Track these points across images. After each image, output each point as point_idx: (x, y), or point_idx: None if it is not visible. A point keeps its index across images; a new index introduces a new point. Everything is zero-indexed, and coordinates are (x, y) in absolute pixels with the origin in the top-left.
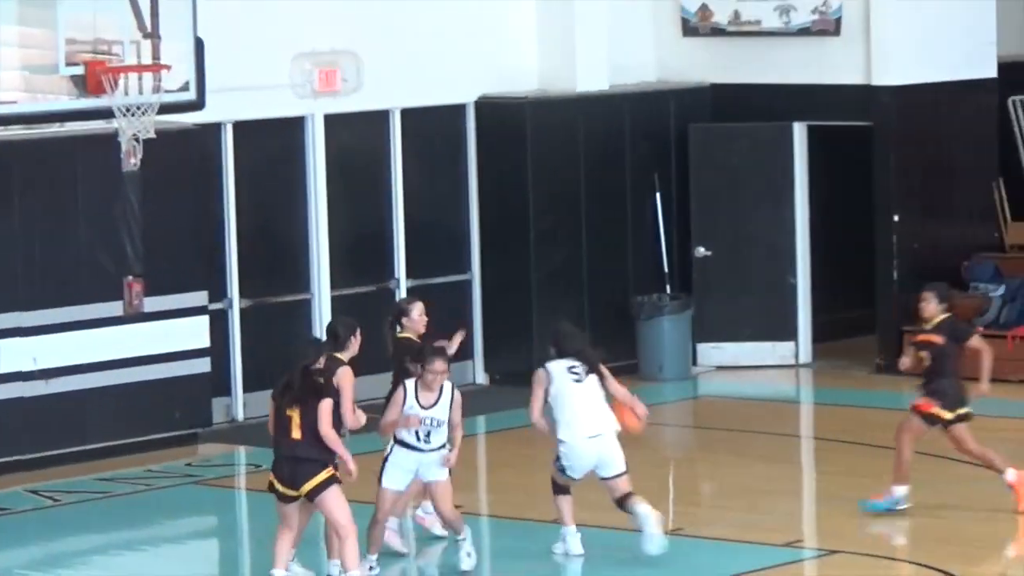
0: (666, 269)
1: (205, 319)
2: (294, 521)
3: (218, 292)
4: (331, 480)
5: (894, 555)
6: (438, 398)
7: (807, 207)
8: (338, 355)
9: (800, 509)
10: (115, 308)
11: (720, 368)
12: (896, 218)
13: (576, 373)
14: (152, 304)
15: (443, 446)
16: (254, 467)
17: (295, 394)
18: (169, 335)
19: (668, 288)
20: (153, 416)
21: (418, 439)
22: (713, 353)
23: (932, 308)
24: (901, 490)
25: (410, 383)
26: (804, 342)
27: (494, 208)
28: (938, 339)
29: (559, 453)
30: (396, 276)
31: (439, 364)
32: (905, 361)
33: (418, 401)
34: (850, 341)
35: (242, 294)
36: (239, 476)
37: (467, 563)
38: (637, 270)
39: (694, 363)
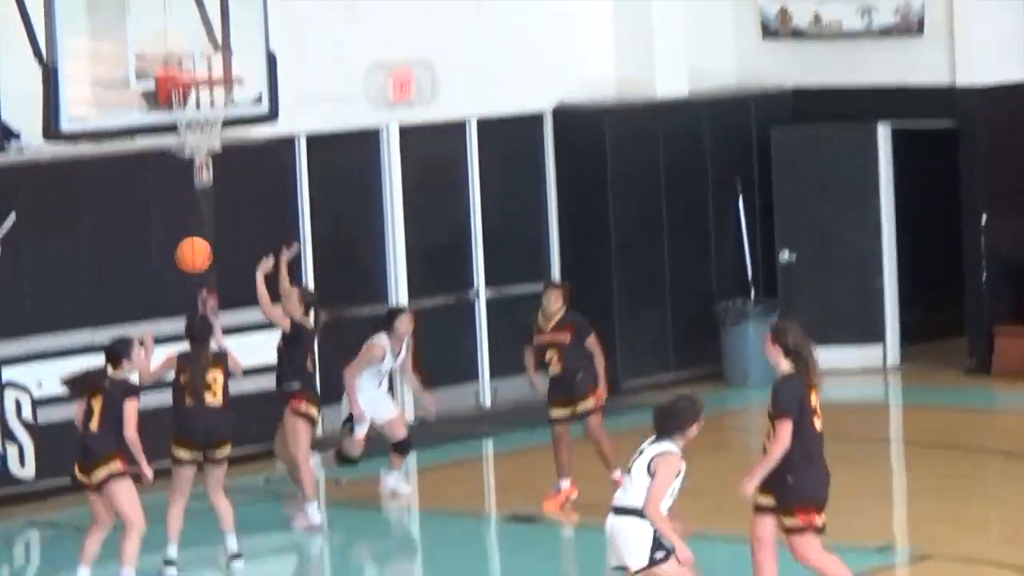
0: (750, 274)
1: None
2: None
3: None
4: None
5: (988, 559)
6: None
7: (892, 209)
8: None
9: (890, 513)
10: None
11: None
12: (984, 219)
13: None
14: (226, 319)
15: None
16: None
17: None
18: (244, 349)
19: (752, 293)
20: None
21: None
22: None
23: None
24: None
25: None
26: (892, 345)
27: (574, 216)
28: None
29: None
30: (475, 286)
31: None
32: None
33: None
34: (939, 343)
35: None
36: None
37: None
38: (721, 276)
39: None
